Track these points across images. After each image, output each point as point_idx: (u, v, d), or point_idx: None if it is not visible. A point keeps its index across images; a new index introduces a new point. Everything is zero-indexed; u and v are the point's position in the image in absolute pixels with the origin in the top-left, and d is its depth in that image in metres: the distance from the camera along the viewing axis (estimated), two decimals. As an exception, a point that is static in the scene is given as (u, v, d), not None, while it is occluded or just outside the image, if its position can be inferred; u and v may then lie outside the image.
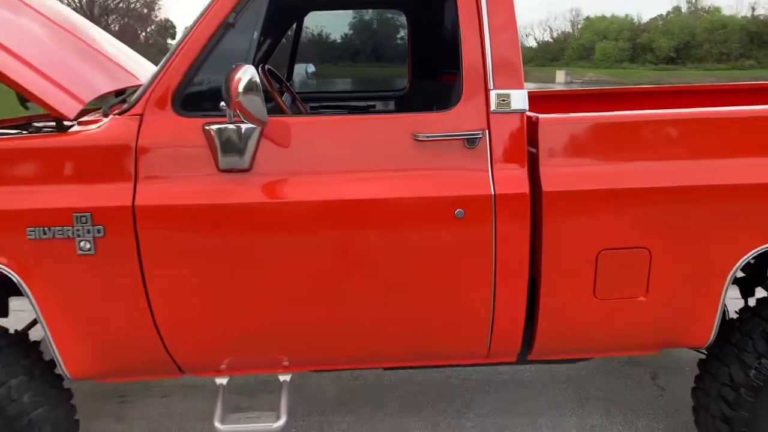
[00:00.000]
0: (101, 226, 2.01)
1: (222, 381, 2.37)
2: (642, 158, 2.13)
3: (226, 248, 2.07)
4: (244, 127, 1.99)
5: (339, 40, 6.00)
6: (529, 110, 2.16)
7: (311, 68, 4.05)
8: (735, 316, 2.48)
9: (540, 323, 2.25)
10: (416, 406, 3.19)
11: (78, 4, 42.75)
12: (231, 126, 1.98)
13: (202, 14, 2.12)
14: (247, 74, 1.86)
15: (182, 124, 2.07)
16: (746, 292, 2.80)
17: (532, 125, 2.15)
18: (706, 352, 2.49)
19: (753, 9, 58.72)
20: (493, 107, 2.12)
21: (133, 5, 53.61)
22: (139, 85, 2.61)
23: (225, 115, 1.98)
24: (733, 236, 2.15)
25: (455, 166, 2.11)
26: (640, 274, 2.17)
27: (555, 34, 71.92)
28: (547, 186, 2.09)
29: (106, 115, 2.24)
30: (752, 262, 2.73)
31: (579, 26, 69.28)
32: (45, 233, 2.01)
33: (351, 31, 6.14)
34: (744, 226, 2.14)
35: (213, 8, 2.10)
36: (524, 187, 2.09)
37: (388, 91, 3.88)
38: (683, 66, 51.64)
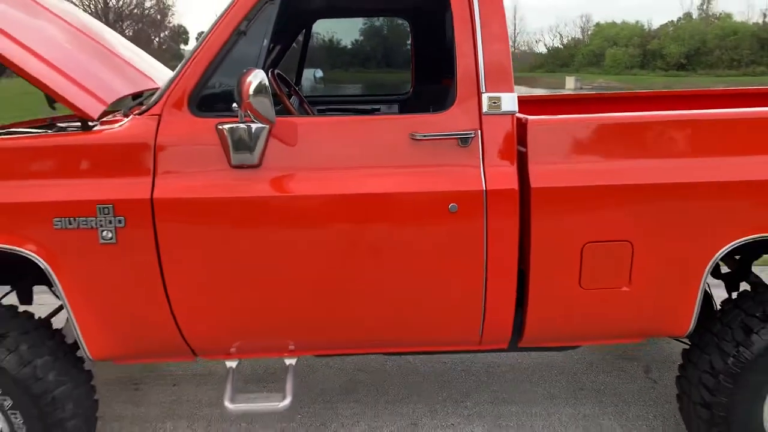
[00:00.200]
0: (122, 217, 2.18)
1: (232, 364, 2.52)
2: (625, 157, 2.26)
3: (237, 238, 2.22)
4: (254, 126, 2.14)
5: (349, 46, 6.16)
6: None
7: (319, 73, 4.22)
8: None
9: (529, 312, 2.38)
10: (417, 393, 3.33)
11: (93, 10, 43.33)
12: (242, 125, 2.14)
13: (215, 23, 2.28)
14: (257, 78, 2.03)
15: (197, 124, 2.24)
16: (732, 287, 2.93)
17: (522, 126, 2.29)
18: (689, 343, 2.61)
19: (765, 15, 58.52)
20: (485, 109, 2.27)
21: (147, 11, 54.33)
22: (155, 88, 2.79)
23: (237, 116, 2.14)
24: (711, 231, 2.27)
25: (450, 164, 2.25)
26: (623, 265, 2.30)
27: (565, 40, 71.78)
28: (535, 182, 2.23)
29: (126, 116, 2.43)
30: (737, 258, 2.87)
31: (589, 32, 68.98)
32: (70, 223, 2.18)
33: (361, 38, 6.30)
34: (720, 221, 2.26)
35: (226, 17, 2.27)
36: (514, 184, 2.23)
37: (392, 95, 4.03)
38: (694, 72, 51.23)
